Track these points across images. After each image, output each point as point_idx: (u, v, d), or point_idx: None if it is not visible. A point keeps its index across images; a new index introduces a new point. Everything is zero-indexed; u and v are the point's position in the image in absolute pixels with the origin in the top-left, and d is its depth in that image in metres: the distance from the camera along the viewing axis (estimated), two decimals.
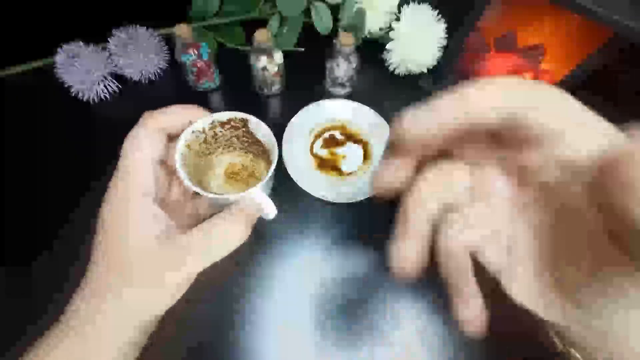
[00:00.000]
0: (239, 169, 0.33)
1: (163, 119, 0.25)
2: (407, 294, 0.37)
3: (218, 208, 0.26)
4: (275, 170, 0.27)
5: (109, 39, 0.45)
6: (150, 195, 0.23)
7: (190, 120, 0.26)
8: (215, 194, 0.25)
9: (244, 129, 0.30)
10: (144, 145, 0.24)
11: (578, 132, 0.14)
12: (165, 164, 0.26)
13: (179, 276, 0.22)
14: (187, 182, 0.25)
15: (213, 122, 0.28)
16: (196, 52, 0.43)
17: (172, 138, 0.26)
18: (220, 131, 0.30)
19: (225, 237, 0.23)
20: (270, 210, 0.26)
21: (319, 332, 0.35)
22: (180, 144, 0.26)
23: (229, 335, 0.35)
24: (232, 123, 0.29)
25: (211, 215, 0.24)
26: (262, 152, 0.32)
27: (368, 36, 0.50)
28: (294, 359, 0.35)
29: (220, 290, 0.36)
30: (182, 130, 0.26)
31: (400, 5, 0.47)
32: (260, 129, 0.29)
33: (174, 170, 0.25)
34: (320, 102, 0.47)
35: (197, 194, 0.25)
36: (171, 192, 0.27)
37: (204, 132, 0.28)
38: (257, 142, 0.31)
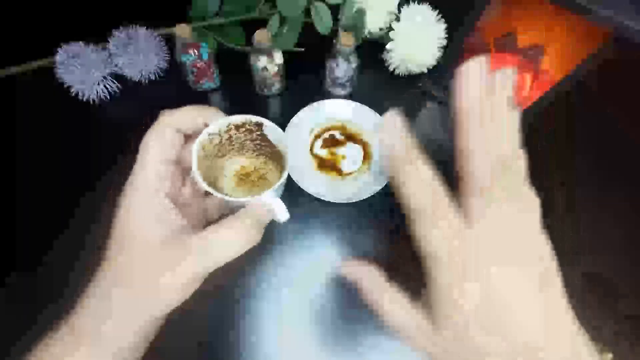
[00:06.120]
0: (251, 171, 0.34)
1: (179, 119, 0.25)
2: (408, 292, 0.37)
3: (229, 210, 0.27)
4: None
5: (109, 39, 0.45)
6: (163, 194, 0.23)
7: (206, 122, 0.27)
8: (231, 197, 0.26)
9: (258, 133, 0.30)
10: (160, 144, 0.24)
11: None
12: (179, 164, 0.26)
13: (184, 276, 0.22)
14: (204, 185, 0.25)
15: (229, 125, 0.28)
16: (196, 52, 0.43)
17: (187, 138, 0.26)
18: (235, 134, 0.30)
19: (236, 239, 0.23)
20: (282, 214, 0.26)
21: (319, 332, 0.35)
22: (197, 146, 0.26)
23: (229, 335, 0.35)
24: (246, 126, 0.29)
25: (221, 217, 0.24)
26: (273, 155, 0.32)
27: (368, 36, 0.50)
28: (294, 358, 0.35)
29: (220, 290, 0.36)
30: (198, 131, 0.26)
31: (400, 5, 0.47)
32: (275, 133, 0.29)
33: (187, 170, 0.25)
34: (320, 102, 0.47)
35: (208, 194, 0.25)
36: (183, 192, 0.27)
37: (219, 134, 0.28)
38: (270, 146, 0.31)
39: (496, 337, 0.18)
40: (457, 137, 0.20)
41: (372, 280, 0.23)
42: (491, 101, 0.20)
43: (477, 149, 0.19)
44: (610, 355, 0.20)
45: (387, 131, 0.20)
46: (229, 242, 0.23)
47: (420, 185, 0.19)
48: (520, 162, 0.20)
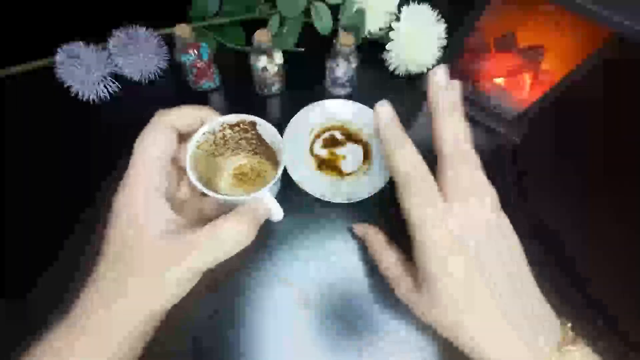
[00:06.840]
0: (247, 171, 0.34)
1: (175, 118, 0.25)
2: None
3: (225, 209, 0.27)
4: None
5: (109, 39, 0.45)
6: (160, 191, 0.23)
7: (202, 121, 0.27)
8: (224, 195, 0.26)
9: (252, 132, 0.30)
10: (155, 142, 0.24)
11: None
12: (176, 163, 0.26)
13: (180, 272, 0.22)
14: (197, 183, 0.25)
15: (223, 124, 0.28)
16: (196, 52, 0.43)
17: (183, 138, 0.26)
18: (230, 133, 0.30)
19: (231, 237, 0.23)
20: (277, 212, 0.27)
21: (319, 333, 0.35)
22: (191, 145, 0.26)
23: (229, 336, 0.35)
24: (241, 125, 0.30)
25: (218, 216, 0.24)
26: (269, 154, 0.32)
27: (368, 36, 0.50)
28: (293, 359, 0.35)
29: (219, 290, 0.36)
30: (194, 130, 0.27)
31: (400, 5, 0.47)
32: (269, 132, 0.29)
33: (184, 169, 0.25)
34: (320, 102, 0.47)
35: (204, 193, 0.25)
36: (180, 190, 0.27)
37: (213, 134, 0.28)
38: (265, 145, 0.31)
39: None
40: (432, 124, 0.26)
41: (374, 238, 0.31)
42: (450, 99, 0.26)
43: (444, 136, 0.25)
44: (569, 325, 0.23)
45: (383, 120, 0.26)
46: (223, 240, 0.23)
47: (408, 160, 0.24)
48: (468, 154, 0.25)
